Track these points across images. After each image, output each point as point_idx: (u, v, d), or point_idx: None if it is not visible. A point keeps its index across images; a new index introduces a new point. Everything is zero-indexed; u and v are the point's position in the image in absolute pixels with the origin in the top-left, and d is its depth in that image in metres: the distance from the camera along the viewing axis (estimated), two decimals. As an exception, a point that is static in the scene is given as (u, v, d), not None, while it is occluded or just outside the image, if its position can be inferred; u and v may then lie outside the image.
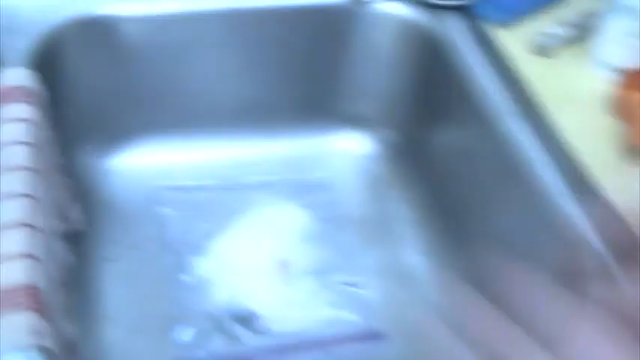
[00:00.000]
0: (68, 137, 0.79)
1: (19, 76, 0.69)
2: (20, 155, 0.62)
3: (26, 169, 0.61)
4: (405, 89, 0.88)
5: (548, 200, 0.66)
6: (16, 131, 0.64)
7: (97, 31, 0.78)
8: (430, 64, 0.83)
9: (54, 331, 0.55)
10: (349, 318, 0.74)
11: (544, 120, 0.72)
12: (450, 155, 0.84)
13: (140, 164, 0.87)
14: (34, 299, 0.53)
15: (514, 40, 0.81)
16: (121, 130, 0.87)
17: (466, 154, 0.81)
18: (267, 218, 0.81)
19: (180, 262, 0.77)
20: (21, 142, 0.63)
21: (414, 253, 0.83)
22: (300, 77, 0.88)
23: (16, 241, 0.56)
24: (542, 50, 0.80)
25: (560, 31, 0.81)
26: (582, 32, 0.81)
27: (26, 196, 0.59)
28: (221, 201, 0.83)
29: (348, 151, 0.92)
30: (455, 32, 0.82)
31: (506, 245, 0.73)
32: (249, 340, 0.72)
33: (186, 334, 0.72)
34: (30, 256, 0.55)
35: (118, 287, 0.76)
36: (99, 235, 0.81)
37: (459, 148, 0.83)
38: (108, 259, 0.79)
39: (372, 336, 0.73)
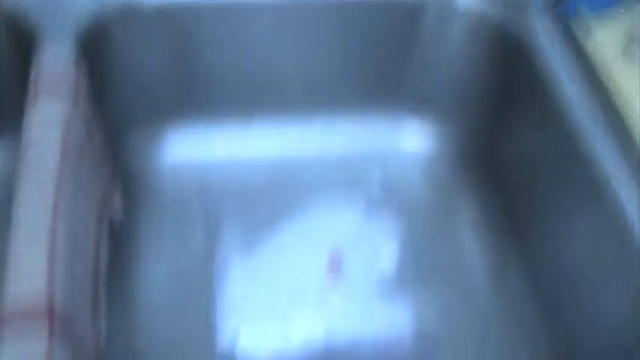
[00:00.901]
0: (114, 122, 0.76)
1: (61, 61, 0.65)
2: (50, 161, 0.58)
3: (55, 174, 0.57)
4: (478, 87, 0.81)
5: (623, 222, 0.60)
6: (49, 133, 0.60)
7: (146, 12, 0.72)
8: (508, 62, 0.76)
9: (71, 352, 0.51)
10: (402, 323, 0.69)
11: (629, 135, 0.64)
12: (521, 160, 0.78)
13: (190, 152, 0.83)
14: (50, 318, 0.50)
15: (605, 38, 0.72)
16: (170, 115, 0.82)
17: (538, 160, 0.74)
18: (321, 216, 0.75)
19: (225, 256, 0.73)
20: (50, 144, 0.59)
21: (473, 256, 0.77)
22: (369, 69, 0.82)
23: (37, 251, 0.52)
24: (635, 54, 0.71)
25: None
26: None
27: (51, 203, 0.55)
28: (274, 194, 0.79)
29: (413, 147, 0.85)
30: (537, 28, 0.74)
31: (572, 261, 0.68)
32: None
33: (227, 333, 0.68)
34: (49, 272, 0.51)
35: (157, 279, 0.73)
36: (142, 224, 0.77)
37: (531, 153, 0.76)
38: (149, 248, 0.75)
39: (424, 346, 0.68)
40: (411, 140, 0.86)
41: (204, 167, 0.81)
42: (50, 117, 0.60)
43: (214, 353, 0.67)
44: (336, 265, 0.70)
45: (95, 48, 0.70)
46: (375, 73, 0.82)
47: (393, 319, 0.69)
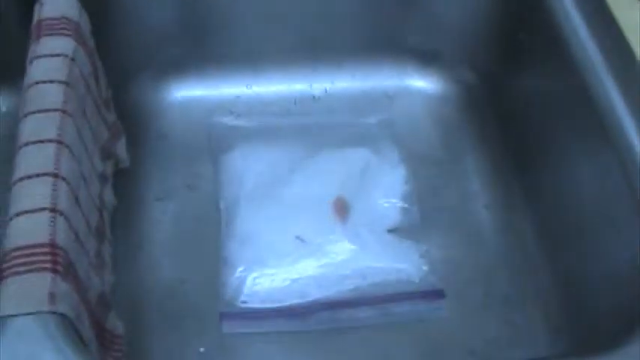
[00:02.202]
0: (119, 67, 0.75)
1: (62, 4, 0.65)
2: (53, 95, 0.58)
3: (58, 110, 0.57)
4: (485, 27, 0.80)
5: (630, 164, 0.59)
6: (52, 68, 0.60)
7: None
8: (516, 2, 0.75)
9: (76, 292, 0.52)
10: (407, 272, 0.69)
11: (636, 74, 0.64)
12: (528, 103, 0.77)
13: (197, 96, 0.83)
14: (53, 259, 0.50)
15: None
16: (178, 60, 0.81)
17: (545, 104, 0.73)
18: (328, 159, 0.74)
19: (235, 205, 0.72)
20: (55, 81, 0.59)
21: (478, 205, 0.76)
22: (376, 12, 0.81)
23: (37, 192, 0.52)
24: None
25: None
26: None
27: (54, 141, 0.55)
28: (281, 136, 0.78)
29: (418, 90, 0.84)
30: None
31: (577, 205, 0.67)
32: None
33: (233, 281, 0.68)
34: (52, 209, 0.52)
35: (165, 230, 0.73)
36: (151, 173, 0.77)
37: (538, 97, 0.75)
38: (157, 198, 0.75)
39: (430, 295, 0.68)
40: (418, 82, 0.85)
41: (211, 111, 0.81)
42: (53, 49, 0.60)
43: (220, 296, 0.67)
44: (341, 210, 0.70)
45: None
46: (382, 17, 0.81)
47: (398, 262, 0.69)
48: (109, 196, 0.68)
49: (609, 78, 0.64)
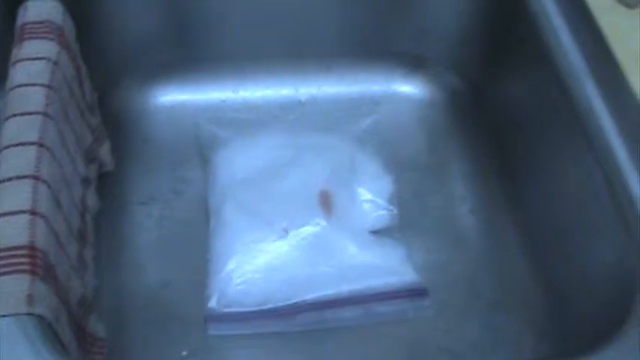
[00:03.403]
0: (104, 71, 0.76)
1: (46, 8, 0.65)
2: (35, 98, 0.58)
3: (39, 113, 0.57)
4: (472, 34, 0.80)
5: (612, 169, 0.60)
6: (34, 71, 0.60)
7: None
8: (503, 5, 0.76)
9: (55, 294, 0.52)
10: (391, 271, 0.69)
11: (618, 80, 0.64)
12: (515, 108, 0.77)
13: (183, 99, 0.83)
14: (32, 261, 0.50)
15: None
16: (163, 64, 0.82)
17: (530, 110, 0.74)
18: (314, 157, 0.74)
19: (221, 208, 0.72)
20: (37, 84, 0.59)
21: (463, 209, 0.76)
22: (365, 17, 0.82)
23: (17, 195, 0.52)
24: (629, 0, 0.71)
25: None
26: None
27: (35, 144, 0.55)
28: (267, 140, 0.77)
29: (405, 95, 0.85)
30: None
31: (560, 209, 0.68)
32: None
33: (218, 283, 0.67)
34: (32, 212, 0.52)
35: (149, 233, 0.73)
36: (136, 177, 0.77)
37: (523, 103, 0.76)
38: (142, 202, 0.75)
39: (414, 294, 0.68)
40: (404, 88, 0.85)
41: (197, 116, 0.81)
42: (36, 53, 0.60)
43: (204, 299, 0.67)
44: (326, 204, 0.69)
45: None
46: (371, 22, 0.82)
47: (382, 261, 0.69)
48: (92, 199, 0.68)
49: (591, 84, 0.65)
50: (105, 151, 0.72)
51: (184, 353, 0.65)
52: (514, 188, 0.76)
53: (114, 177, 0.74)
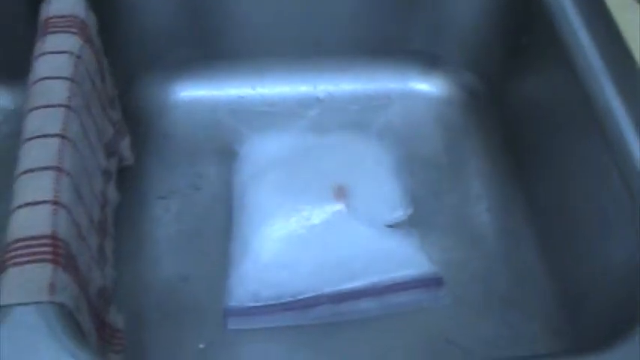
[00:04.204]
0: (125, 67, 0.77)
1: (69, 3, 0.66)
2: (58, 91, 0.59)
3: (62, 106, 0.58)
4: (488, 32, 0.81)
5: (627, 165, 0.60)
6: (57, 65, 0.61)
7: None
8: (520, 4, 0.76)
9: (76, 284, 0.52)
10: (408, 262, 0.70)
11: (636, 79, 0.64)
12: (530, 107, 0.78)
13: (203, 98, 0.84)
14: (54, 250, 0.50)
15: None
16: (183, 61, 0.83)
17: (547, 108, 0.74)
18: (330, 153, 0.75)
19: (240, 203, 0.73)
20: (60, 77, 0.60)
21: (479, 206, 0.77)
22: (370, 8, 0.82)
23: (39, 186, 0.53)
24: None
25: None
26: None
27: (57, 136, 0.56)
28: (288, 137, 0.78)
29: (421, 93, 0.85)
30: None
31: (575, 208, 0.68)
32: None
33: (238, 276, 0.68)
34: (54, 202, 0.52)
35: (167, 227, 0.73)
36: (155, 172, 0.78)
37: (539, 101, 0.76)
38: (161, 196, 0.76)
39: (430, 283, 0.69)
40: (421, 86, 0.86)
41: (216, 112, 0.82)
42: (59, 46, 0.61)
43: (222, 292, 0.67)
44: (342, 201, 0.70)
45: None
46: (387, 20, 0.82)
47: (399, 253, 0.69)
48: (112, 192, 0.68)
49: (609, 82, 0.65)
50: (125, 146, 0.73)
51: (201, 346, 0.66)
52: (530, 187, 0.76)
53: (133, 171, 0.75)
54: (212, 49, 0.83)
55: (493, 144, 0.81)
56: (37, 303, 0.48)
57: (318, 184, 0.70)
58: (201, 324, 0.67)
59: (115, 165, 0.71)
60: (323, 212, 0.68)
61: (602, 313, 0.62)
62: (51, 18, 0.64)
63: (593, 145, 0.64)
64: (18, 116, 0.77)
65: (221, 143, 0.79)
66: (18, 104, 0.80)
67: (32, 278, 0.49)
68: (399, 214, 0.72)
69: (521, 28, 0.76)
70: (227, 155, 0.78)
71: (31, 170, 0.54)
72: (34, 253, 0.50)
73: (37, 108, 0.58)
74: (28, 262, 0.50)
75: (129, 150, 0.74)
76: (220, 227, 0.73)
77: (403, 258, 0.69)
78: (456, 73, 0.85)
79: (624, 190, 0.60)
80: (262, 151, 0.74)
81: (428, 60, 0.85)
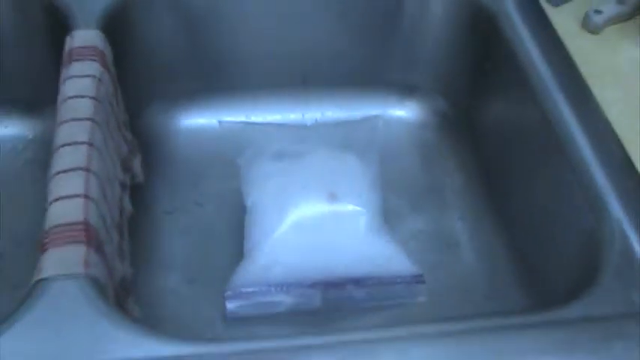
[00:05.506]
0: (135, 95, 0.85)
1: (90, 36, 0.75)
2: (84, 107, 0.68)
3: (88, 119, 0.67)
4: (457, 60, 0.90)
5: (585, 181, 0.68)
6: (82, 86, 0.70)
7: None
8: (483, 36, 0.86)
9: (105, 266, 0.60)
10: (389, 262, 0.76)
11: (588, 97, 0.74)
12: (499, 127, 0.86)
13: (204, 125, 0.93)
14: (87, 234, 0.59)
15: (566, 16, 0.83)
16: (187, 91, 0.92)
17: (513, 127, 0.83)
18: (319, 169, 0.81)
19: (240, 219, 0.80)
20: (85, 96, 0.68)
21: (454, 215, 0.85)
22: (352, 45, 0.92)
23: (72, 183, 0.61)
24: (593, 27, 0.81)
25: (612, 8, 0.82)
26: (634, 9, 0.82)
27: (86, 143, 0.64)
28: (279, 154, 0.84)
29: (399, 118, 0.95)
30: (509, 6, 0.84)
31: (538, 210, 0.77)
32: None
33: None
34: (85, 196, 0.61)
35: (175, 239, 0.81)
36: (162, 190, 0.86)
37: (506, 121, 0.85)
38: (167, 212, 0.84)
39: (411, 280, 0.76)
40: (399, 112, 0.96)
41: (215, 135, 0.89)
42: (83, 71, 0.70)
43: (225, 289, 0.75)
44: (333, 205, 0.77)
45: (118, 30, 0.80)
46: (366, 55, 0.93)
47: (383, 250, 0.77)
48: (127, 203, 0.77)
49: (564, 102, 0.74)
50: (137, 164, 0.81)
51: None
52: (499, 199, 0.85)
53: (143, 189, 0.83)
54: (211, 81, 0.92)
55: (464, 161, 0.90)
56: (74, 275, 0.56)
57: (313, 190, 0.77)
58: (208, 323, 0.74)
59: (128, 180, 0.79)
60: (318, 214, 0.76)
61: (559, 282, 0.70)
62: (75, 48, 0.73)
63: (552, 159, 0.73)
64: (36, 144, 0.87)
65: (221, 166, 0.87)
66: (37, 133, 0.88)
67: (69, 256, 0.57)
68: (382, 220, 0.80)
69: (483, 56, 0.86)
70: (226, 176, 0.85)
71: (64, 171, 0.63)
72: (70, 237, 0.58)
73: (66, 121, 0.66)
74: (65, 243, 0.58)
75: (140, 168, 0.82)
76: (221, 238, 0.81)
77: (387, 257, 0.76)
78: (429, 99, 0.95)
79: (578, 188, 0.69)
80: (260, 164, 0.82)
81: (404, 89, 0.95)
